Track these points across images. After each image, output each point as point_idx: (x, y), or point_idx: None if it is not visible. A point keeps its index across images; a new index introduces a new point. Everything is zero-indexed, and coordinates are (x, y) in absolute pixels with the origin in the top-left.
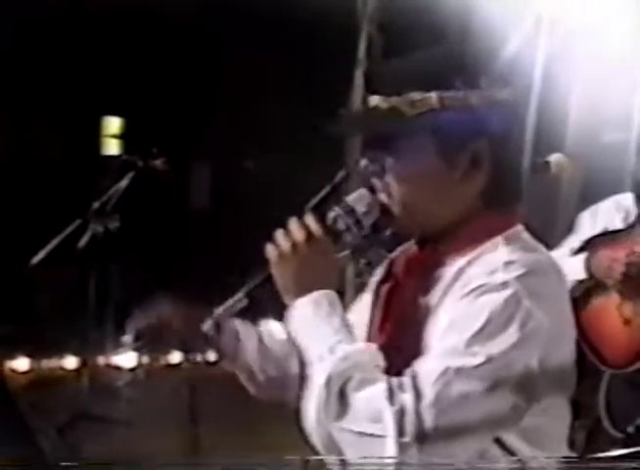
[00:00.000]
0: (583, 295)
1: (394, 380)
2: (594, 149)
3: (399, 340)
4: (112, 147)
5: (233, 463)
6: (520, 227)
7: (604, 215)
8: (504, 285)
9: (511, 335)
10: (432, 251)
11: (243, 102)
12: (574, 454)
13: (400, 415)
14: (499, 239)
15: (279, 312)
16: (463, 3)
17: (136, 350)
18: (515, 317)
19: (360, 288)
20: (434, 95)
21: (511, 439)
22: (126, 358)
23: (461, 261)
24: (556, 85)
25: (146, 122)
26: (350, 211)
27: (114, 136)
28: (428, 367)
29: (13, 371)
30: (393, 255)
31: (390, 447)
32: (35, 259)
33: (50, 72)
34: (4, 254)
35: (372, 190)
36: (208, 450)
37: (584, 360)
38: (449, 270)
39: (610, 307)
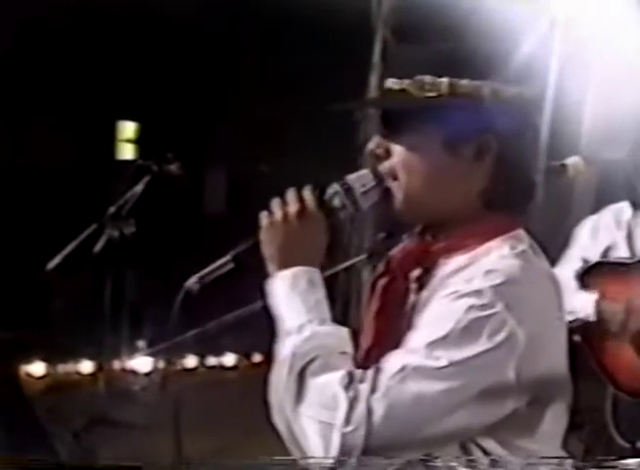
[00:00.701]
0: (596, 326)
1: (358, 371)
2: (608, 152)
3: (389, 335)
4: (127, 152)
5: (235, 465)
6: (520, 232)
7: (605, 233)
8: (477, 293)
9: (479, 343)
10: (428, 246)
11: (257, 105)
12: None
13: (352, 404)
14: (495, 243)
15: (264, 279)
16: (477, 6)
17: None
18: (485, 326)
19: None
20: (445, 81)
21: (490, 445)
22: (142, 363)
23: (454, 263)
24: (570, 88)
25: (161, 127)
26: (348, 190)
27: (130, 141)
28: (390, 362)
29: (29, 376)
30: (393, 251)
31: (336, 438)
32: (51, 264)
33: (65, 77)
34: (20, 259)
35: (377, 174)
36: (221, 453)
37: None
38: (441, 270)
39: (624, 341)
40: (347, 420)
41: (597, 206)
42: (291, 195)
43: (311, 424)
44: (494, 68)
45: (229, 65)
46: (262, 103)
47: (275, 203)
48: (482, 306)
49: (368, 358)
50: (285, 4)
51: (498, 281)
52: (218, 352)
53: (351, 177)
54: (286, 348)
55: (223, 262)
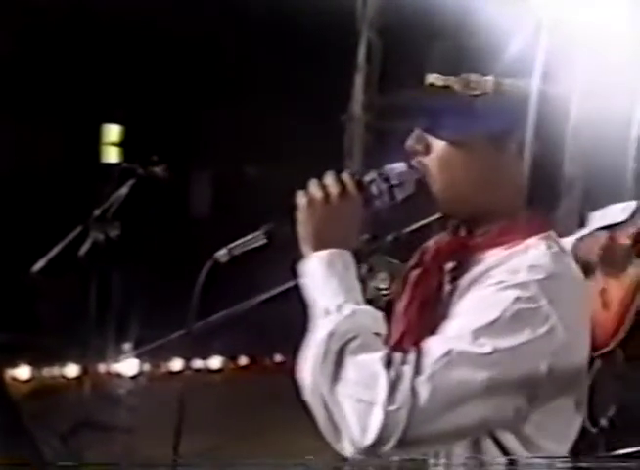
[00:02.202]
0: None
1: (398, 353)
2: (595, 150)
3: (421, 325)
4: (112, 155)
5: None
6: (552, 233)
7: (612, 213)
8: (524, 285)
9: (523, 334)
10: (465, 241)
11: (243, 108)
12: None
13: (395, 384)
14: (532, 242)
15: (296, 258)
16: (463, 7)
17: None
18: (529, 318)
19: (362, 293)
20: (490, 79)
21: (508, 438)
22: (128, 366)
23: (493, 257)
24: (556, 87)
25: (146, 130)
26: (386, 179)
27: (115, 144)
28: (433, 346)
29: (14, 380)
30: (427, 243)
31: (377, 416)
32: (36, 267)
33: (49, 80)
34: (5, 261)
35: (413, 168)
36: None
37: None
38: (479, 264)
39: (594, 292)
40: (391, 399)
41: (585, 203)
42: (330, 177)
43: (349, 403)
44: (484, 65)
45: (214, 67)
46: (247, 106)
47: (313, 183)
48: (528, 299)
49: (400, 347)
50: (270, 6)
51: (542, 276)
52: (204, 356)
53: (388, 167)
54: (324, 327)
55: (254, 236)
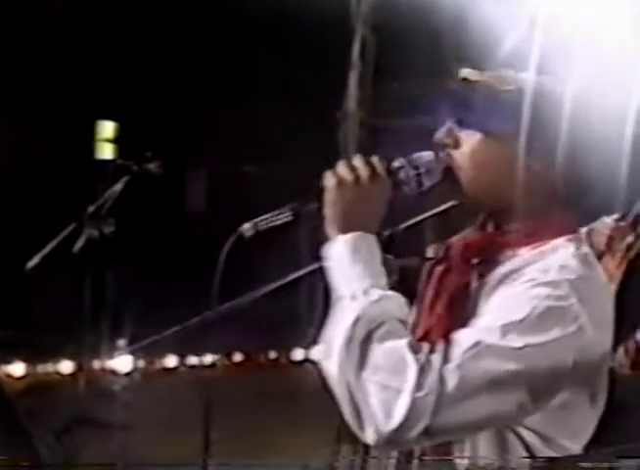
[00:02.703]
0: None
1: (425, 342)
2: (590, 146)
3: (448, 321)
4: (106, 151)
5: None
6: (581, 234)
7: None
8: (555, 284)
9: (553, 332)
10: (493, 238)
11: (238, 105)
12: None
13: (423, 370)
14: (561, 243)
15: (321, 238)
16: (457, 4)
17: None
18: (560, 316)
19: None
20: (524, 75)
21: (528, 434)
22: (122, 362)
23: (522, 256)
24: (551, 83)
25: (141, 126)
26: (414, 167)
27: (109, 140)
28: (462, 337)
29: (9, 376)
30: (453, 239)
31: (404, 402)
32: (30, 264)
33: (44, 77)
34: None
35: (441, 159)
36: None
37: None
38: (508, 261)
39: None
40: (419, 385)
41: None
42: (358, 160)
43: (375, 389)
44: (479, 61)
45: (209, 65)
46: (243, 102)
47: (341, 165)
48: (559, 297)
49: (429, 338)
50: (265, 4)
51: (573, 276)
52: (199, 352)
53: (416, 155)
54: (350, 311)
55: (280, 212)
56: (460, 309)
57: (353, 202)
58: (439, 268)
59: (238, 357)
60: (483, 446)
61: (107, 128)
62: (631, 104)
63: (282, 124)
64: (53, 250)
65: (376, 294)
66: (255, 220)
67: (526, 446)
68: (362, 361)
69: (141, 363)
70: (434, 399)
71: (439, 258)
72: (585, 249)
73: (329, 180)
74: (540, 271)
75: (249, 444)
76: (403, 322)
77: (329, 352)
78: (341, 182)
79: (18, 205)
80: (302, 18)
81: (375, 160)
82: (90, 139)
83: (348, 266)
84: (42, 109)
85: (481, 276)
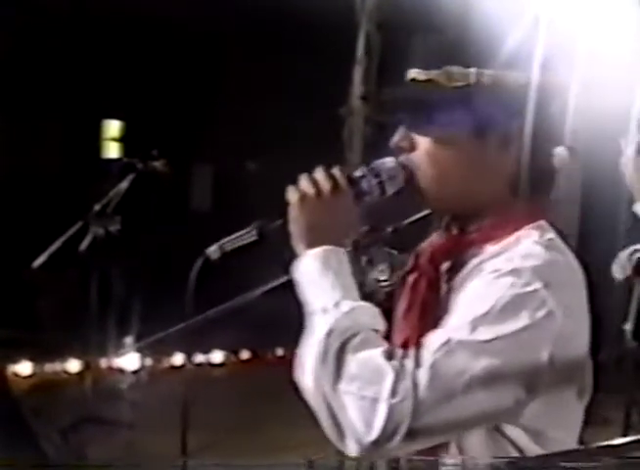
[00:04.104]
0: None
1: (399, 349)
2: (593, 144)
3: (422, 329)
4: (112, 150)
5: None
6: (544, 222)
7: None
8: (518, 271)
9: (520, 320)
10: (458, 239)
11: (243, 102)
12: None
13: (398, 377)
14: (524, 232)
15: (288, 256)
16: (461, 1)
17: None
18: (526, 303)
19: (361, 285)
20: (472, 71)
21: (515, 432)
22: (129, 361)
23: (487, 251)
24: (555, 81)
25: (146, 125)
26: (376, 175)
27: (115, 139)
28: (432, 339)
29: (16, 375)
30: (421, 246)
31: (382, 411)
32: (37, 263)
33: (50, 76)
34: (5, 257)
35: (401, 163)
36: (209, 452)
37: None
38: (474, 258)
39: None
40: (394, 392)
41: (583, 196)
42: (320, 173)
43: (353, 400)
44: (482, 60)
45: (214, 62)
46: (247, 100)
47: (304, 178)
48: (523, 284)
49: (406, 348)
50: (270, 2)
51: (537, 262)
52: (206, 350)
53: (378, 162)
54: (322, 325)
55: (245, 232)
56: (432, 317)
57: (317, 216)
58: (411, 277)
59: (245, 355)
60: (469, 445)
61: (112, 127)
62: (634, 99)
63: (287, 121)
64: (59, 248)
65: (347, 305)
66: (221, 242)
67: (513, 443)
68: (338, 373)
69: (148, 361)
70: (411, 404)
71: (411, 266)
72: (550, 234)
73: (292, 196)
74: (503, 262)
75: (254, 441)
76: (378, 332)
77: (304, 367)
78: (303, 197)
79: (24, 204)
80: (307, 14)
81: (336, 171)
82: (96, 138)
83: (318, 280)
84: (48, 108)
85: (450, 279)
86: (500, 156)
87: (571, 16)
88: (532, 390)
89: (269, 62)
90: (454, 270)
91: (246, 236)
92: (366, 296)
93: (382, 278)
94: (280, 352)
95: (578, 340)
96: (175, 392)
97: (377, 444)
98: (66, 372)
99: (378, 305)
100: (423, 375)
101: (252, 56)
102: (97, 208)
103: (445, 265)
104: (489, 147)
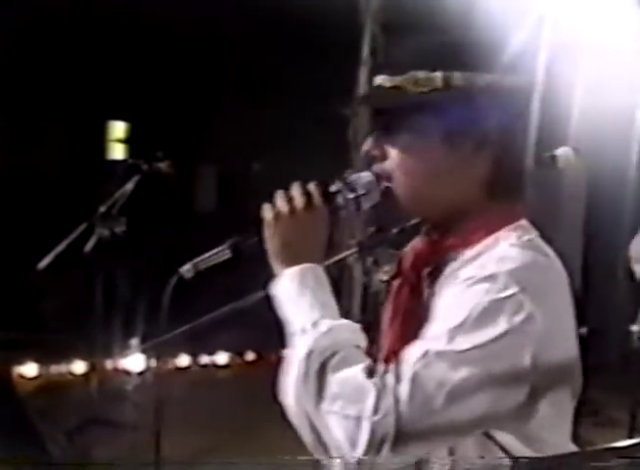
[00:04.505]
0: None
1: (381, 364)
2: (597, 144)
3: (408, 334)
4: (117, 151)
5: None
6: (524, 222)
7: None
8: (492, 277)
9: (499, 326)
10: (437, 245)
11: (247, 103)
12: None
13: (380, 394)
14: (502, 234)
15: (263, 272)
16: (466, 1)
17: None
18: (503, 308)
19: (367, 286)
20: (438, 75)
21: (506, 438)
22: (134, 362)
23: (464, 256)
24: (559, 81)
25: (151, 126)
26: (352, 190)
27: (120, 141)
28: (411, 352)
29: (21, 377)
30: (403, 251)
31: (365, 428)
32: (42, 264)
33: (55, 77)
34: (10, 259)
35: (377, 175)
36: (213, 452)
37: None
38: (452, 264)
39: None
40: (376, 409)
41: (588, 196)
42: (296, 189)
43: (337, 420)
44: (486, 61)
45: (219, 63)
46: (252, 101)
47: (279, 196)
48: (499, 289)
49: (388, 357)
50: (274, 2)
51: (512, 266)
52: (211, 351)
53: (354, 177)
54: (302, 346)
55: (219, 251)
56: (416, 323)
57: (291, 233)
58: (395, 283)
59: (250, 356)
60: (461, 451)
61: (118, 129)
62: (638, 101)
63: (292, 122)
64: (64, 250)
65: (325, 325)
66: (194, 261)
67: (502, 448)
68: (320, 393)
69: (153, 363)
70: (394, 419)
71: (394, 272)
72: (529, 235)
73: (267, 214)
74: (478, 268)
75: (259, 442)
76: (360, 348)
77: (286, 387)
78: (277, 215)
79: (29, 205)
80: (311, 15)
81: (311, 187)
82: (101, 139)
83: (296, 300)
84: (53, 110)
85: (432, 284)
86: (474, 160)
87: (575, 17)
88: (520, 394)
89: (273, 63)
90: (434, 276)
91: (220, 254)
92: (371, 296)
93: (386, 279)
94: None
95: (562, 342)
96: (181, 393)
97: (363, 461)
98: (71, 374)
99: (382, 305)
100: (404, 389)
101: (257, 57)
102: (102, 209)
103: (427, 271)
104: (461, 152)
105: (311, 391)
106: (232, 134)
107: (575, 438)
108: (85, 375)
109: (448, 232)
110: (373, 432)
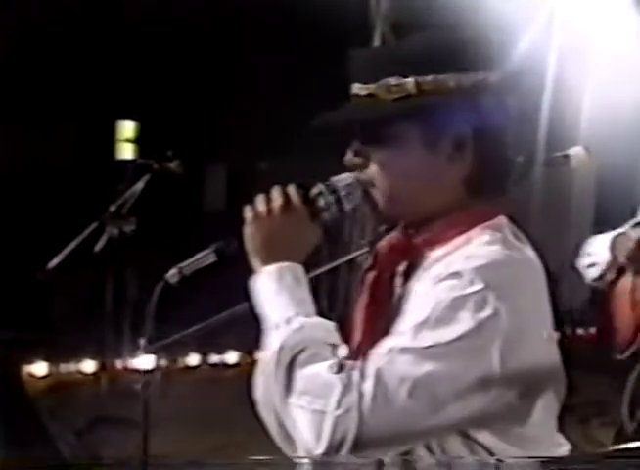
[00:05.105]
0: (604, 276)
1: (348, 361)
2: (608, 142)
3: (378, 328)
4: (127, 151)
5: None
6: (500, 220)
7: None
8: (457, 274)
9: (463, 322)
10: (411, 240)
11: (257, 103)
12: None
13: (344, 390)
14: (474, 232)
15: (247, 274)
16: (476, 2)
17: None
18: (466, 304)
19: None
20: (410, 80)
21: (487, 438)
22: (144, 361)
23: (438, 252)
24: (569, 80)
25: (160, 126)
26: (333, 191)
27: (129, 140)
28: (379, 347)
29: (31, 376)
30: (379, 244)
31: (328, 423)
32: (52, 264)
33: (64, 77)
34: (21, 258)
35: (359, 178)
36: (218, 451)
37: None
38: (426, 260)
39: (625, 291)
40: (339, 404)
41: (598, 195)
42: (276, 191)
43: (303, 414)
44: (493, 60)
45: (228, 63)
46: (262, 100)
47: (260, 198)
48: (463, 286)
49: (360, 352)
50: (283, 2)
51: (478, 264)
52: (220, 350)
53: (335, 179)
54: (274, 341)
55: (204, 255)
56: (388, 317)
57: (269, 233)
58: (370, 276)
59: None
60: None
61: (127, 128)
62: None
63: (301, 122)
64: (74, 249)
65: (297, 322)
66: (180, 266)
67: (484, 447)
68: (288, 388)
69: (163, 362)
70: (357, 415)
71: (369, 265)
72: (502, 232)
73: (247, 214)
74: (446, 265)
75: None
76: (334, 346)
77: (257, 382)
78: (256, 216)
79: (39, 205)
80: (321, 15)
81: (291, 189)
82: (111, 139)
83: (273, 298)
84: (63, 110)
85: (405, 280)
86: (453, 160)
87: (585, 16)
88: (489, 394)
89: (283, 62)
90: (408, 272)
91: (204, 258)
92: None
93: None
94: None
95: (534, 341)
96: (190, 392)
97: (326, 455)
98: (81, 373)
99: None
100: (368, 385)
101: (266, 57)
102: (112, 209)
103: (402, 267)
104: (440, 154)
105: (280, 385)
106: (242, 133)
107: (585, 438)
108: (95, 374)
109: (424, 229)
110: (335, 426)
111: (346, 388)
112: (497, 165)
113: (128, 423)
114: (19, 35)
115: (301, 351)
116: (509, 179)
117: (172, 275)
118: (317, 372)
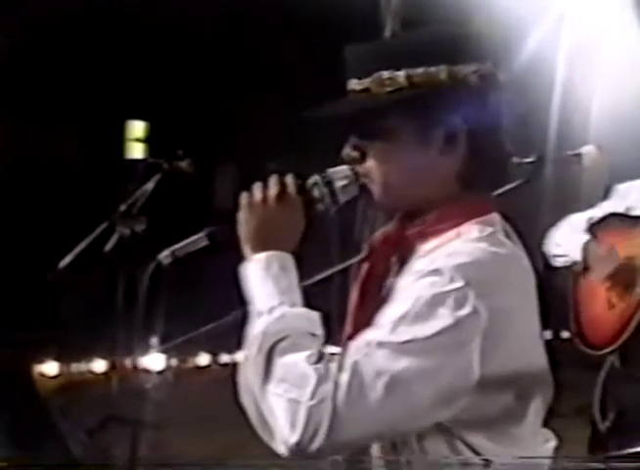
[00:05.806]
0: (578, 274)
1: (328, 352)
2: (617, 142)
3: (369, 319)
4: (137, 151)
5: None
6: (493, 216)
7: (635, 195)
8: (438, 271)
9: (442, 319)
10: (404, 232)
11: (267, 102)
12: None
13: (320, 381)
14: (465, 227)
15: (239, 258)
16: (486, 0)
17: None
18: (446, 300)
19: None
20: (401, 73)
21: (476, 438)
22: (155, 361)
23: (429, 246)
24: (578, 80)
25: (171, 125)
26: (328, 183)
27: (139, 140)
28: (357, 340)
29: (42, 375)
30: (375, 235)
31: (302, 412)
32: (63, 263)
33: (74, 77)
34: (31, 258)
35: (355, 172)
36: (228, 451)
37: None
38: (414, 255)
39: (599, 290)
40: (313, 394)
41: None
42: (273, 179)
43: (279, 402)
44: (494, 55)
45: (237, 62)
46: (271, 99)
47: (256, 185)
48: (444, 283)
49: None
50: (293, 2)
51: (460, 261)
52: (231, 350)
53: (331, 171)
54: (256, 328)
55: (197, 238)
56: (376, 310)
57: (263, 221)
58: (364, 266)
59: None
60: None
61: (137, 128)
62: None
63: (310, 122)
64: (85, 249)
65: (279, 311)
66: (173, 248)
67: (471, 448)
68: (266, 375)
69: (174, 362)
70: (330, 406)
71: (365, 255)
72: (491, 229)
73: (242, 201)
74: (429, 261)
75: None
76: (315, 336)
77: (239, 369)
78: (250, 203)
79: (49, 205)
80: (331, 13)
81: (288, 178)
82: (121, 139)
83: (260, 285)
84: (73, 110)
85: (396, 273)
86: (446, 153)
87: (594, 16)
88: (468, 393)
89: (293, 61)
90: (400, 265)
91: (197, 241)
92: None
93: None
94: None
95: (516, 341)
96: (201, 392)
97: (299, 445)
98: (91, 372)
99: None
100: (344, 377)
101: (276, 56)
102: (122, 208)
103: (394, 258)
104: (433, 146)
105: (259, 372)
106: (252, 132)
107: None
108: (105, 374)
109: (417, 220)
110: (309, 416)
111: (322, 378)
112: (492, 161)
113: (139, 423)
114: (29, 34)
115: (282, 339)
116: (504, 175)
117: (165, 256)
118: (295, 361)
